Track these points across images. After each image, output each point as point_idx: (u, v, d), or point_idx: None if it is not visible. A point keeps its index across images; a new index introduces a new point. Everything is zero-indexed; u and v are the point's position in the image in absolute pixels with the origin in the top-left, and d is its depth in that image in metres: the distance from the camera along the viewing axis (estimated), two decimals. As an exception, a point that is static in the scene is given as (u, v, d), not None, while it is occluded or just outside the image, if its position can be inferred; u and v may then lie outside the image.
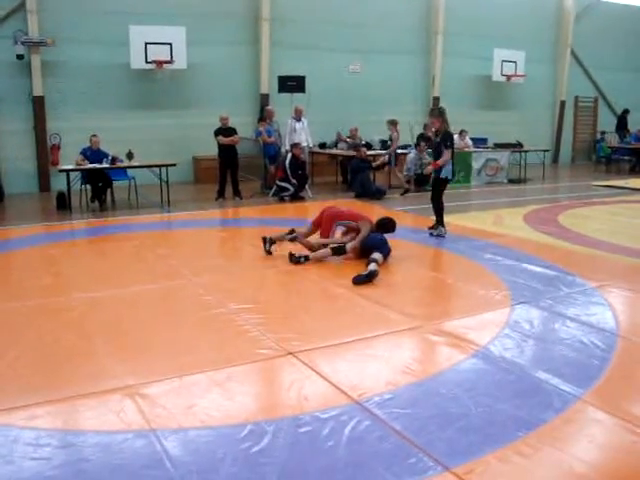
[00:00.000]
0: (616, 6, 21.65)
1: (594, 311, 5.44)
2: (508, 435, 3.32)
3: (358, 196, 12.52)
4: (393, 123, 14.11)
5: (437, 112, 8.77)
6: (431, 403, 3.71)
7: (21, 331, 5.01)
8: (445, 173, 8.59)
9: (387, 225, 7.57)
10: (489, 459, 3.10)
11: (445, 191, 8.84)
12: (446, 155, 8.47)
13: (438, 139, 8.69)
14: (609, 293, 5.96)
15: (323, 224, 7.67)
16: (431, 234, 8.73)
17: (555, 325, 5.10)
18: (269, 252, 7.53)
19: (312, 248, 7.40)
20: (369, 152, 13.84)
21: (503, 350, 4.52)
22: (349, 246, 7.27)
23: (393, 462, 3.08)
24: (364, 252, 7.11)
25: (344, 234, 7.63)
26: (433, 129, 9.00)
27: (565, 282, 6.32)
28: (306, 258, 7.18)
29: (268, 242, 7.57)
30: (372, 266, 6.54)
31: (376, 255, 6.83)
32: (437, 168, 8.61)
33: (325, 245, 7.43)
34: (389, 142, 14.29)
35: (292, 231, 7.68)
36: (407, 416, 3.54)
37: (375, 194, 12.45)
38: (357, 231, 7.41)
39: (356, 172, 13.00)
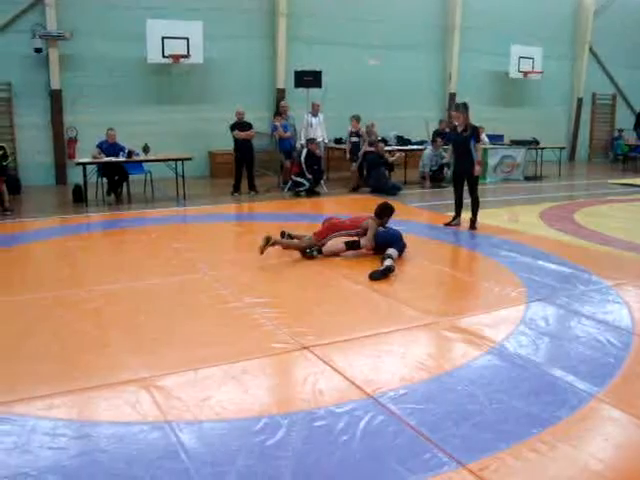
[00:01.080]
0: (635, 3, 21.46)
1: (610, 309, 5.40)
2: (523, 432, 3.31)
3: (374, 191, 12.51)
4: (357, 119, 13.59)
5: (462, 106, 8.76)
6: (446, 399, 3.71)
7: (38, 322, 5.06)
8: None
9: (386, 209, 7.48)
10: (503, 456, 3.09)
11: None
12: (480, 150, 9.01)
13: (467, 134, 8.65)
14: (625, 291, 5.92)
15: (323, 235, 7.38)
16: (474, 227, 8.86)
17: (571, 323, 5.07)
18: (262, 252, 6.90)
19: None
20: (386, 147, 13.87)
21: (518, 347, 4.50)
22: (362, 241, 7.26)
23: (408, 457, 3.08)
24: (379, 248, 7.12)
25: (351, 236, 7.42)
26: (457, 123, 8.86)
27: (581, 280, 6.29)
28: (319, 251, 7.19)
29: (268, 242, 6.93)
30: (388, 262, 6.54)
31: (391, 251, 6.84)
32: (479, 172, 8.88)
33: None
34: (352, 138, 13.73)
35: (283, 233, 7.57)
36: (422, 411, 3.54)
37: (391, 190, 12.41)
38: (364, 233, 7.32)
39: (372, 167, 12.97)
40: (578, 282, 6.21)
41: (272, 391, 3.94)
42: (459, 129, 8.79)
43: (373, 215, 7.46)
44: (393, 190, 12.45)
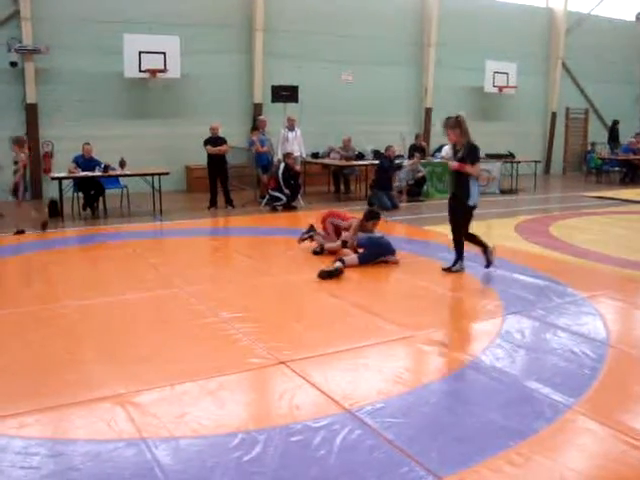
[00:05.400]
0: (606, 20, 21.88)
1: (585, 321, 5.45)
2: (499, 444, 3.32)
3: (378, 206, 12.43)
4: (18, 142, 10.14)
5: (453, 122, 7.02)
6: (423, 413, 3.71)
7: (11, 338, 4.99)
8: (473, 199, 7.05)
9: (371, 213, 8.17)
10: (480, 469, 3.10)
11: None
12: (477, 167, 6.98)
13: (460, 154, 6.96)
14: (600, 303, 5.98)
15: (323, 219, 8.52)
16: (449, 269, 7.27)
17: (546, 335, 5.11)
18: (302, 240, 8.38)
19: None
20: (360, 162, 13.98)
21: (495, 360, 4.53)
22: (346, 237, 7.96)
23: (385, 471, 3.07)
24: (373, 257, 7.52)
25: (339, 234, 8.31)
26: (450, 142, 7.28)
27: (556, 292, 6.34)
28: (322, 249, 8.05)
29: (308, 235, 8.37)
30: (338, 263, 7.03)
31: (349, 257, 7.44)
32: (460, 169, 6.89)
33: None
34: (14, 167, 10.07)
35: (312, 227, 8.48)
36: (399, 425, 3.53)
37: (393, 207, 12.45)
38: (348, 229, 8.11)
39: (383, 178, 12.90)
40: (553, 294, 6.27)
41: (249, 406, 3.91)
42: (457, 148, 7.08)
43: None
44: (394, 207, 12.50)
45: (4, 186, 10.89)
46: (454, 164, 6.94)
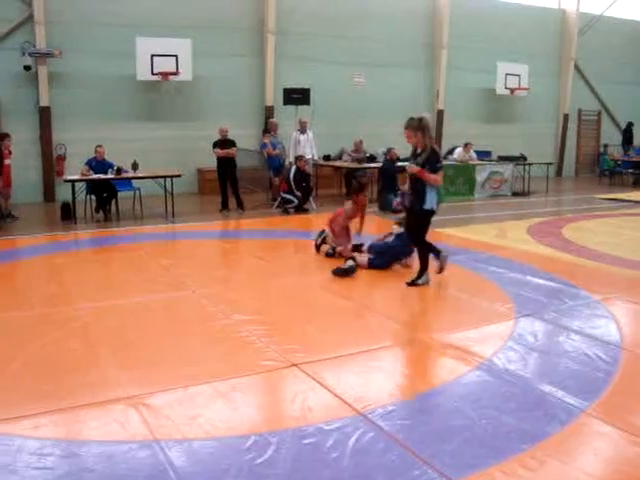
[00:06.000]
0: (619, 21, 21.80)
1: (598, 324, 5.42)
2: (512, 448, 3.31)
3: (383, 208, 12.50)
4: None
5: (416, 123, 6.38)
6: (435, 415, 3.70)
7: (26, 340, 5.02)
8: (430, 204, 6.45)
9: (354, 184, 8.34)
10: (493, 472, 3.09)
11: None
12: (439, 175, 6.41)
13: (420, 160, 6.38)
14: (613, 306, 5.95)
15: (330, 224, 8.22)
16: (413, 283, 6.71)
17: (559, 338, 5.09)
18: (318, 247, 8.33)
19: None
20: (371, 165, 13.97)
21: (507, 363, 4.51)
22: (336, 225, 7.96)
23: (397, 474, 3.07)
24: (393, 258, 7.55)
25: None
26: (411, 144, 6.57)
27: (569, 295, 6.31)
28: (333, 250, 7.98)
29: (321, 239, 8.31)
30: (349, 261, 7.13)
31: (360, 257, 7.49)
32: (420, 175, 6.34)
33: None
34: None
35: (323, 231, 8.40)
36: (411, 428, 3.53)
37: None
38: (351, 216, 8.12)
39: (389, 180, 12.93)
40: (566, 297, 6.24)
41: (261, 409, 3.92)
42: (418, 151, 6.48)
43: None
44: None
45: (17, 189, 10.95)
46: (414, 168, 6.36)
